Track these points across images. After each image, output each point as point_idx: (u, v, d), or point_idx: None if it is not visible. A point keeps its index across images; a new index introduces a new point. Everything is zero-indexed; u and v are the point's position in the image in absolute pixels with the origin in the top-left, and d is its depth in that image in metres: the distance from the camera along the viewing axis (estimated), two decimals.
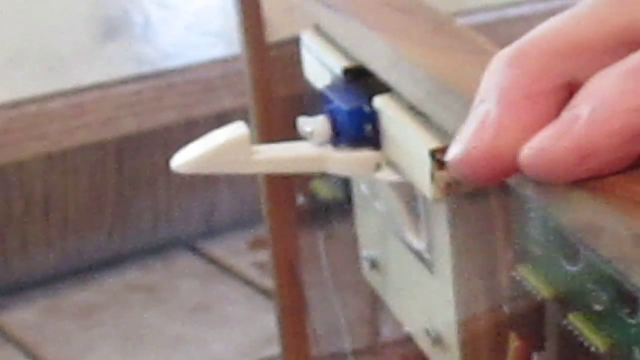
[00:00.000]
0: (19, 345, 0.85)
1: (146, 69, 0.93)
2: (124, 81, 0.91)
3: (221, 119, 0.93)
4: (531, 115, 0.27)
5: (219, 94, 0.93)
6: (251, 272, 0.92)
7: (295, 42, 0.44)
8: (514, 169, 0.28)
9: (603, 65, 0.28)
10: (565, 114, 0.27)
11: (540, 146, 0.27)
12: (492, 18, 1.03)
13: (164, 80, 0.92)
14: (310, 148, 0.37)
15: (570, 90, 0.28)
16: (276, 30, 0.51)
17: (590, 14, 0.28)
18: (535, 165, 0.27)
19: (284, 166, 0.37)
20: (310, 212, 0.52)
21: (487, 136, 0.27)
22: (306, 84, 0.44)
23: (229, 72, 0.93)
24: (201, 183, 0.96)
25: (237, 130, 0.36)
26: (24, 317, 0.89)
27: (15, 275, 0.92)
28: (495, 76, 0.28)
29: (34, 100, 0.89)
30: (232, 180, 0.97)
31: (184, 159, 0.36)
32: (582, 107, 0.27)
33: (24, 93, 0.89)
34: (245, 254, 0.95)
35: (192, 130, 0.90)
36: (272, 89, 0.52)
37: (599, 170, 0.27)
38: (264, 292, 0.88)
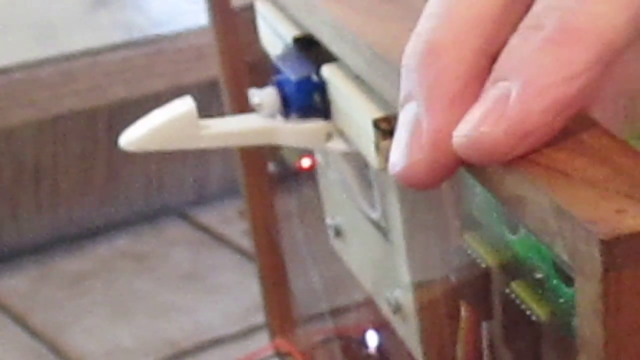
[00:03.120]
0: (9, 312, 0.86)
1: (136, 35, 0.92)
2: (114, 48, 0.91)
3: (211, 86, 0.93)
4: (464, 111, 0.27)
5: (209, 62, 0.92)
6: (242, 241, 0.92)
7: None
8: (459, 165, 0.28)
9: (513, 23, 0.27)
10: (492, 91, 0.27)
11: (476, 132, 0.26)
12: None
13: (154, 47, 0.92)
14: (260, 120, 0.37)
15: (490, 65, 0.28)
16: None
17: None
18: (473, 151, 0.27)
19: (234, 140, 0.37)
20: (282, 178, 0.53)
21: (425, 147, 0.27)
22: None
23: None
24: (193, 151, 0.96)
25: (184, 105, 0.36)
26: (14, 284, 0.89)
27: (5, 243, 0.92)
28: (415, 75, 0.28)
29: (23, 66, 0.89)
30: (224, 149, 0.97)
31: (132, 137, 0.37)
32: (510, 82, 0.26)
33: (13, 59, 0.89)
34: (236, 222, 0.95)
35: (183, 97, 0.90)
36: (242, 54, 0.51)
37: (535, 145, 0.27)
38: (254, 260, 0.88)
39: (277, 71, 0.38)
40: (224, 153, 1.01)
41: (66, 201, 0.93)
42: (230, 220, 0.96)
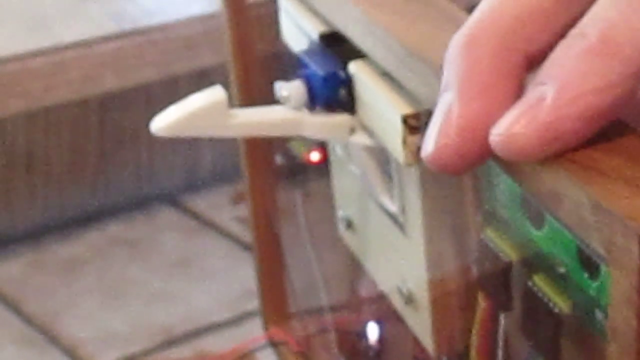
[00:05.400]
0: (2, 299, 0.86)
1: (127, 26, 0.93)
2: (105, 39, 0.91)
3: (202, 76, 0.94)
4: (493, 102, 0.28)
5: (200, 51, 0.93)
6: (233, 227, 0.93)
7: (275, 1, 0.44)
8: (485, 155, 0.29)
9: (556, 28, 0.29)
10: (530, 94, 0.28)
11: (509, 132, 0.28)
12: None
13: (144, 38, 0.92)
14: (287, 112, 0.38)
15: (528, 64, 0.29)
16: None
17: None
18: (505, 149, 0.28)
19: (261, 130, 0.38)
20: (289, 171, 0.53)
21: (453, 132, 0.28)
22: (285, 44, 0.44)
23: (209, 29, 0.93)
24: (183, 138, 0.96)
25: (215, 94, 0.37)
26: (7, 271, 0.89)
27: None
28: (453, 65, 0.29)
29: (15, 58, 0.89)
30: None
31: (163, 122, 0.37)
32: (546, 87, 0.27)
33: (5, 51, 0.89)
34: (227, 208, 0.96)
35: (173, 87, 0.91)
36: (252, 48, 0.52)
37: (565, 149, 0.28)
38: (245, 246, 0.89)
39: (303, 65, 0.38)
40: (214, 139, 1.01)
41: (58, 188, 0.93)
42: (221, 206, 0.96)
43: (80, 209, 0.94)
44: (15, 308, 0.84)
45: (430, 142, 0.29)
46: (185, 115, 0.37)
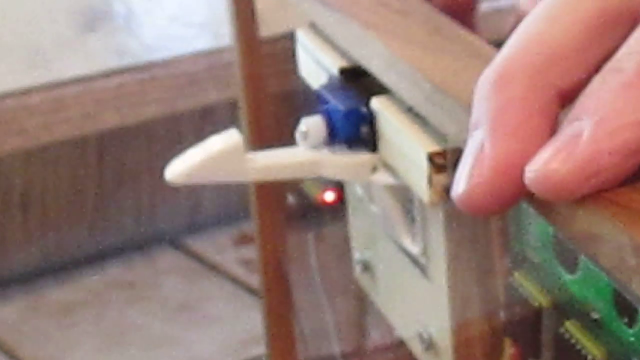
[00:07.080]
0: None
1: (128, 61, 0.92)
2: (106, 74, 0.91)
3: (206, 113, 0.93)
4: (527, 140, 0.27)
5: (204, 87, 0.92)
6: (236, 269, 0.92)
7: (288, 37, 0.44)
8: (519, 195, 0.28)
9: (589, 63, 0.28)
10: (566, 130, 0.27)
11: (545, 169, 0.27)
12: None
13: (146, 73, 0.92)
14: (305, 153, 0.37)
15: (560, 100, 0.28)
16: (269, 25, 0.50)
17: (562, 10, 0.28)
18: (541, 187, 0.27)
19: (279, 173, 0.37)
20: (301, 212, 0.52)
21: (485, 172, 0.28)
22: (299, 81, 0.43)
23: (213, 65, 0.92)
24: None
25: (231, 138, 0.36)
26: (3, 315, 0.88)
27: None
28: (484, 103, 0.28)
29: (13, 94, 0.88)
30: None
31: (178, 170, 0.36)
32: (582, 122, 0.27)
33: (2, 87, 0.89)
34: (230, 251, 0.95)
35: (176, 124, 0.90)
36: (264, 85, 0.51)
37: (604, 185, 0.27)
38: (249, 290, 0.88)
39: (323, 100, 0.37)
40: None
41: (55, 230, 0.92)
42: (224, 248, 0.96)
43: (78, 250, 0.94)
44: (11, 353, 0.83)
45: (461, 182, 0.28)
46: (201, 161, 0.36)
